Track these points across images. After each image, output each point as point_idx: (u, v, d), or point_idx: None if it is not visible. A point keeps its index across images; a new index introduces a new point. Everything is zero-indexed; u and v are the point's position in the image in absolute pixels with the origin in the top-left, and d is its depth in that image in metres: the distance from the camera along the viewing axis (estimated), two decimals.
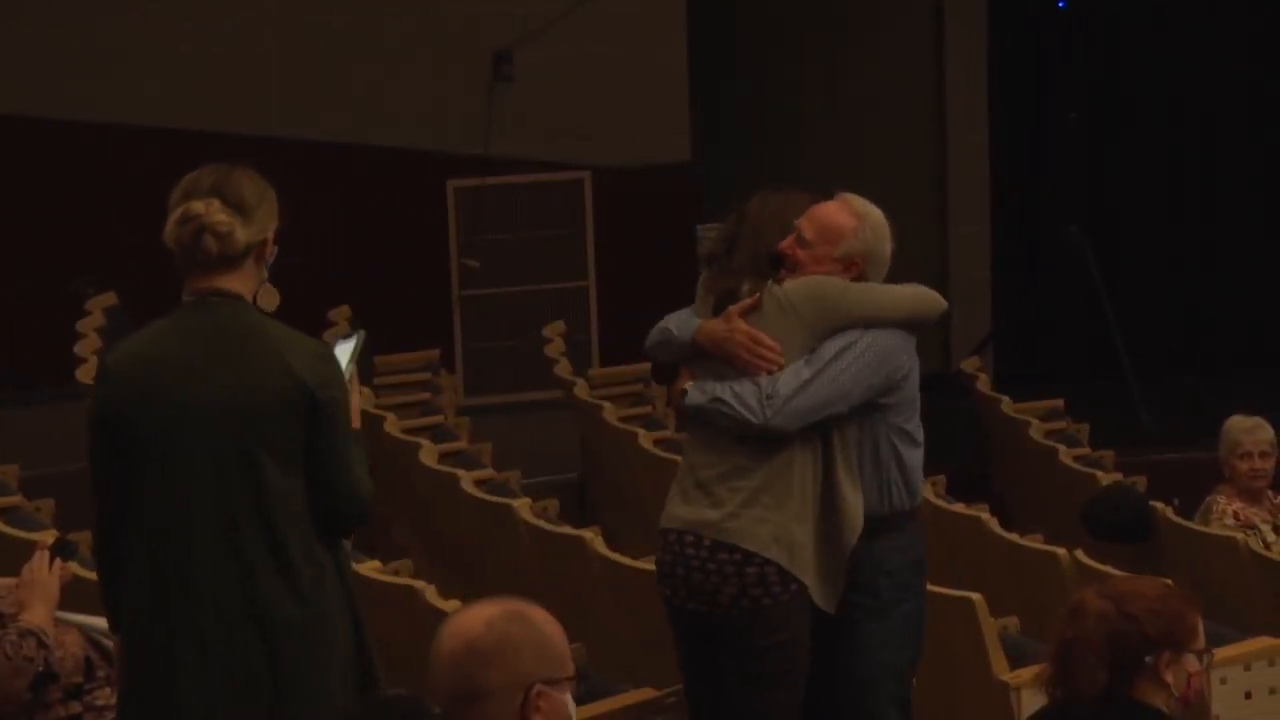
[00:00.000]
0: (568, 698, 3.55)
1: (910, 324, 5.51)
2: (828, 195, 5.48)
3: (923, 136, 13.39)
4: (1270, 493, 8.28)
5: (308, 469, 4.58)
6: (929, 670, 6.65)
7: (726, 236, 5.54)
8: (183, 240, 4.58)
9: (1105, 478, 9.19)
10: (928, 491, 8.64)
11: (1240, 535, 7.92)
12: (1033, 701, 6.03)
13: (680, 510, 5.43)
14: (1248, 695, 6.92)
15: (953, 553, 8.18)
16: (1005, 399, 10.59)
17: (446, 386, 10.73)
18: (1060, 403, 10.70)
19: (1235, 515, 8.15)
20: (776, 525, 5.28)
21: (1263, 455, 8.19)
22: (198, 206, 4.58)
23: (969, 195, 13.37)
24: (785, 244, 5.47)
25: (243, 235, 4.59)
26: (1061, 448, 9.69)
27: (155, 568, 4.60)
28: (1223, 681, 6.87)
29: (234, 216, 4.58)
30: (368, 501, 4.68)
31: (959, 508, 8.54)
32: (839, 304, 5.37)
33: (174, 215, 4.60)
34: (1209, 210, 13.72)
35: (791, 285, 5.40)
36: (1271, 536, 8.10)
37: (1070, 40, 13.75)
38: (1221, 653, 6.94)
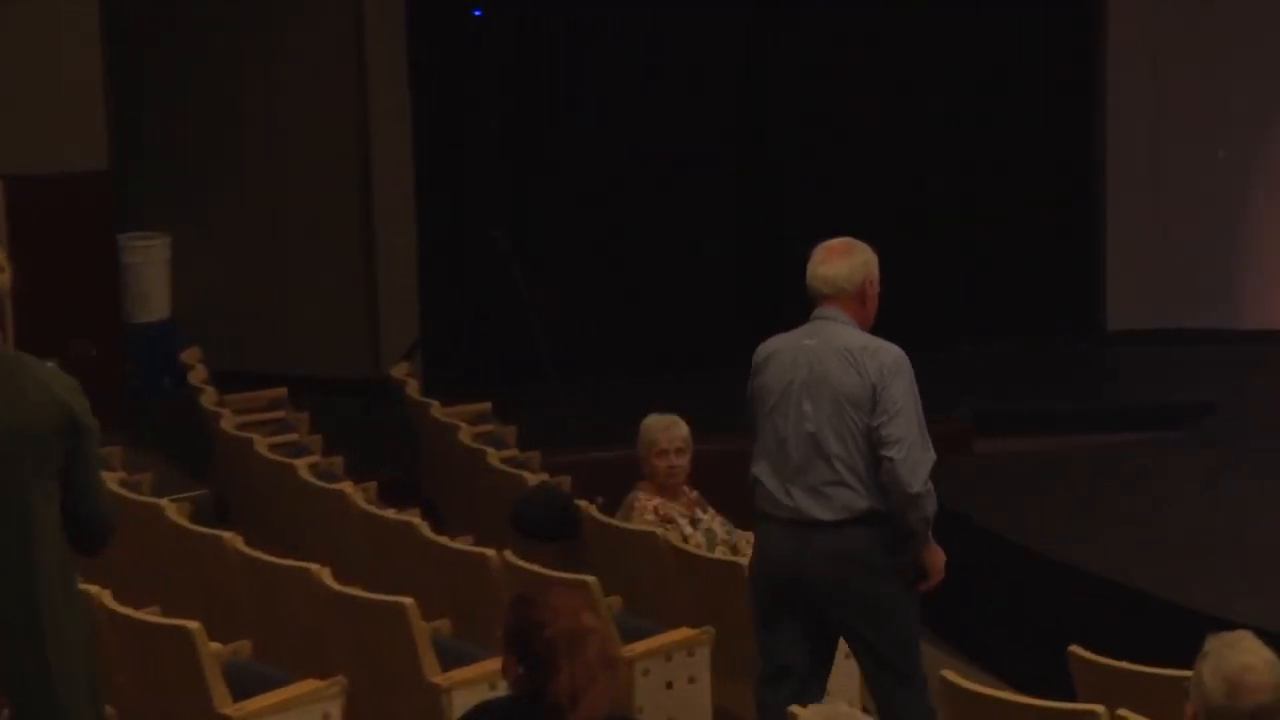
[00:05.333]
0: None
1: None
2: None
3: (347, 146, 13.40)
4: (687, 488, 8.50)
5: (69, 493, 4.94)
6: (363, 677, 6.69)
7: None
8: None
9: (533, 478, 9.31)
10: (359, 498, 8.68)
11: (660, 530, 8.10)
12: (465, 702, 6.12)
13: None
14: (669, 685, 7.13)
15: (385, 558, 8.22)
16: (435, 403, 10.68)
17: None
18: (488, 406, 10.84)
19: (655, 511, 8.33)
20: None
21: (678, 452, 8.37)
22: None
23: (394, 203, 13.43)
24: None
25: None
26: (490, 450, 9.79)
27: None
28: (645, 673, 7.06)
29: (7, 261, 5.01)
30: (113, 526, 5.13)
31: (390, 513, 8.57)
32: None
33: None
34: (635, 213, 14.03)
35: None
36: (689, 530, 8.31)
37: (488, 48, 13.91)
38: (643, 645, 7.16)
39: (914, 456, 6.52)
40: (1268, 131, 14.30)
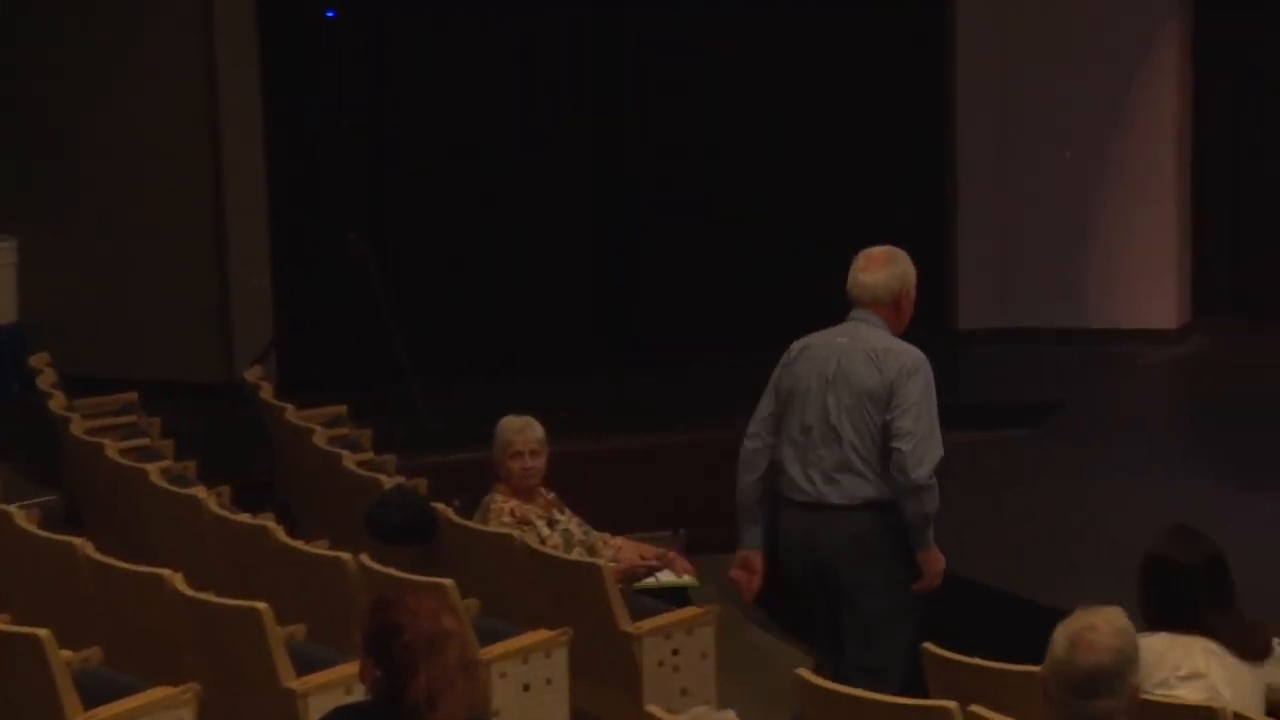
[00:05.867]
0: None
1: None
2: None
3: (198, 147, 13.30)
4: (543, 489, 8.51)
5: None
6: (217, 683, 6.64)
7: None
8: None
9: (388, 481, 9.24)
10: (212, 502, 8.62)
11: (516, 532, 8.10)
12: (321, 707, 6.09)
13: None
14: (526, 688, 7.13)
15: (239, 563, 8.16)
16: (289, 407, 10.60)
17: None
18: (343, 409, 10.77)
19: (512, 512, 8.33)
20: None
21: (533, 453, 8.38)
22: None
23: (246, 205, 13.34)
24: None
25: None
26: (345, 453, 9.71)
27: None
28: (502, 676, 7.06)
29: None
30: None
31: (244, 518, 8.50)
32: None
33: None
34: (491, 215, 14.00)
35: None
36: (546, 531, 8.32)
37: (341, 49, 13.85)
38: (500, 647, 7.15)
39: (921, 449, 7.04)
40: (1113, 132, 14.49)
